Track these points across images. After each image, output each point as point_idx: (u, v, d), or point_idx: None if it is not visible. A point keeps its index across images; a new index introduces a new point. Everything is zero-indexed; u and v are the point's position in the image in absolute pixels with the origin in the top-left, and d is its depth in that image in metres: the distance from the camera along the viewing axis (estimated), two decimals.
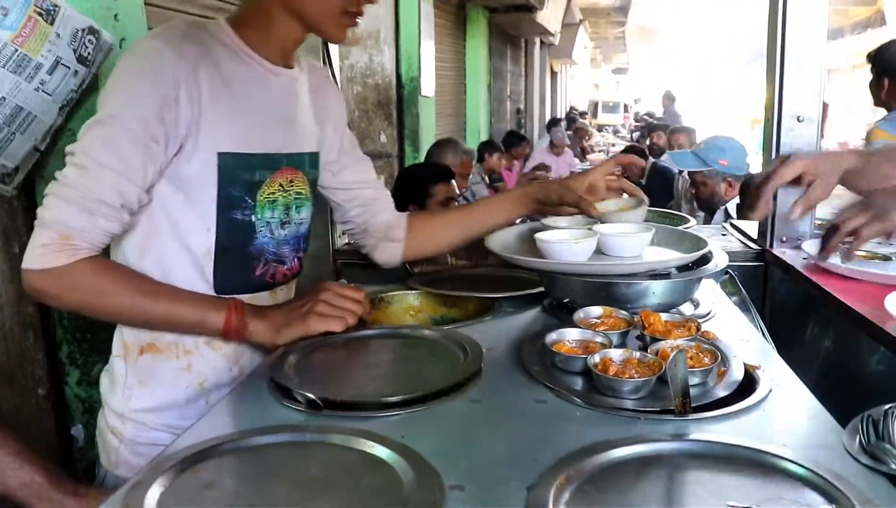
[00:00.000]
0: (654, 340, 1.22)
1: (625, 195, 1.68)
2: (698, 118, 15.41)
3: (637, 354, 1.17)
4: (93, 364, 2.14)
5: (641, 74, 43.32)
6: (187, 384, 1.37)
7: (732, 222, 2.67)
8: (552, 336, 1.26)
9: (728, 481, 0.89)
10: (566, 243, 1.48)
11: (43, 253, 1.18)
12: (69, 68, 1.78)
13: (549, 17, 10.63)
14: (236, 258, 1.36)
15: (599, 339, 1.25)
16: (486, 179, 6.12)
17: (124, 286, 1.25)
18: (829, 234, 1.58)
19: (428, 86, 5.40)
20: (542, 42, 14.22)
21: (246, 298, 1.36)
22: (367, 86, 4.88)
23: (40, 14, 1.70)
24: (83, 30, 1.80)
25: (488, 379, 1.20)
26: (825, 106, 2.58)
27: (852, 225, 1.51)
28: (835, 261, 1.69)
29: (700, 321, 1.45)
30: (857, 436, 0.94)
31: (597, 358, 1.15)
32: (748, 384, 1.13)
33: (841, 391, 1.40)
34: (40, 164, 1.89)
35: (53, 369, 2.14)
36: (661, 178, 5.77)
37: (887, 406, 0.96)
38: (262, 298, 1.42)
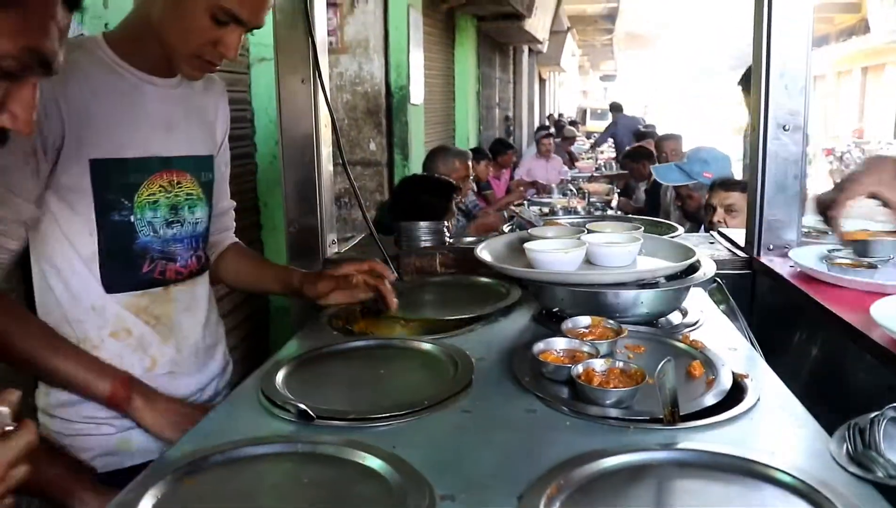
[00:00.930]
0: None
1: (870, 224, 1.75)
2: (682, 125, 15.47)
3: (620, 364, 1.18)
4: None
5: (629, 81, 43.56)
6: None
7: (720, 229, 2.69)
8: (540, 346, 1.27)
9: (716, 489, 0.90)
10: (556, 253, 1.49)
11: None
12: None
13: (538, 24, 10.66)
14: (121, 258, 1.41)
15: (587, 349, 1.26)
16: (475, 187, 6.11)
17: (26, 332, 1.32)
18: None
19: (417, 94, 5.39)
20: (530, 49, 14.24)
21: (138, 294, 1.43)
22: (357, 94, 4.87)
23: None
24: None
25: (479, 389, 1.20)
26: None
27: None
28: (821, 268, 1.71)
29: (688, 330, 1.47)
30: (844, 444, 0.95)
31: (580, 368, 1.15)
32: (736, 393, 1.14)
33: (828, 399, 1.41)
34: None
35: None
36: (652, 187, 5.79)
37: (873, 415, 0.97)
38: (155, 294, 1.45)
